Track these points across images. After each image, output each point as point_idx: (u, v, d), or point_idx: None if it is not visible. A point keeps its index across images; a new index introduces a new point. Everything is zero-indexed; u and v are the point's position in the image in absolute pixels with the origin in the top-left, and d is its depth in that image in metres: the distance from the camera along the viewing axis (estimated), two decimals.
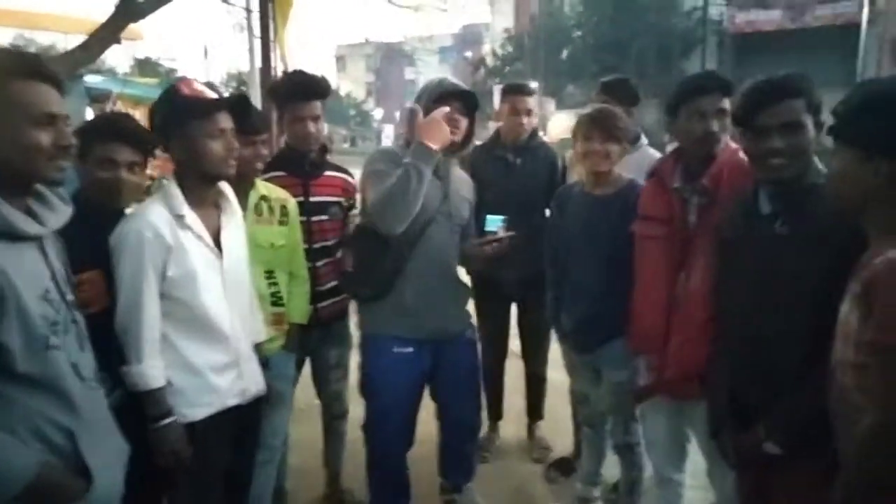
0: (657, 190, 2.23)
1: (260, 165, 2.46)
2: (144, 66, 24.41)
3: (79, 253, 1.63)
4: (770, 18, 25.06)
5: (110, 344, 1.78)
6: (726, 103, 2.06)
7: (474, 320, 2.73)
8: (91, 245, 1.79)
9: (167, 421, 1.84)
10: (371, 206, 2.28)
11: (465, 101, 2.41)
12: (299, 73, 2.76)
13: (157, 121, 1.94)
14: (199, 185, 1.93)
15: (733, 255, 1.90)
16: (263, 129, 2.46)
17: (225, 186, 2.03)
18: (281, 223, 2.48)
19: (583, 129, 2.47)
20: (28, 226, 1.38)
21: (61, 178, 1.42)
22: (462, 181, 2.58)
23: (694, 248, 2.09)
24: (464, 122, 2.40)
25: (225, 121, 1.91)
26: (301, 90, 2.63)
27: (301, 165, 2.66)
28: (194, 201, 1.92)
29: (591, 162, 2.46)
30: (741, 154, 2.05)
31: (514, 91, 3.28)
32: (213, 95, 1.92)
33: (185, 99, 1.87)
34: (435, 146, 2.19)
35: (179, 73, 21.92)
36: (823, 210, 1.63)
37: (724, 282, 1.95)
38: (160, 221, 1.84)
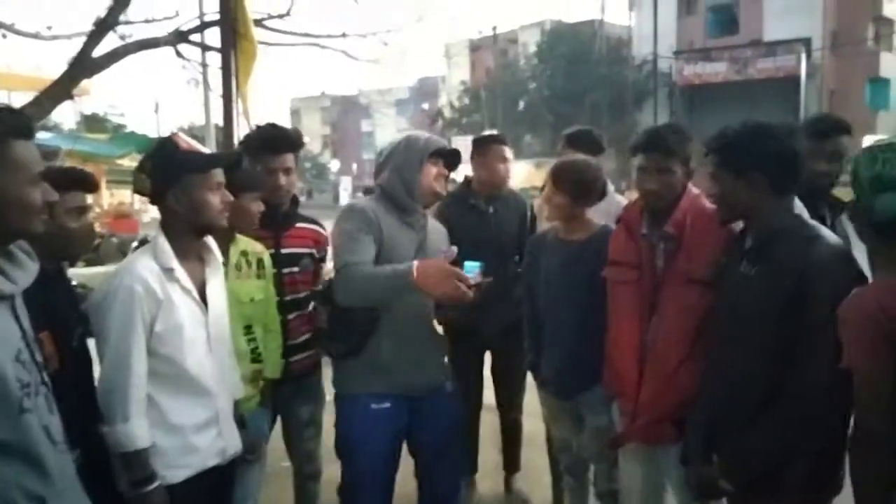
0: (625, 236, 2.28)
1: (256, 222, 2.44)
2: (91, 122, 24.12)
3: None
4: (716, 71, 26.37)
5: (60, 405, 1.65)
6: (667, 160, 2.13)
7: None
8: (40, 305, 1.67)
9: (153, 486, 1.76)
10: (337, 275, 2.25)
11: (449, 159, 2.43)
12: (271, 126, 2.75)
13: (151, 173, 1.93)
14: (187, 238, 1.93)
15: (717, 294, 2.01)
16: (263, 187, 2.46)
17: (209, 240, 2.02)
18: (258, 277, 2.44)
19: (548, 179, 2.56)
20: (2, 284, 1.33)
21: (38, 234, 1.41)
22: (437, 232, 2.56)
23: (663, 292, 2.14)
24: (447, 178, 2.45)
25: (220, 175, 1.95)
26: (273, 143, 2.62)
27: (273, 217, 2.61)
28: (181, 254, 1.91)
29: (547, 211, 2.57)
30: (703, 199, 2.16)
31: (493, 141, 3.35)
32: (207, 150, 1.96)
33: (184, 153, 1.92)
34: (426, 293, 2.14)
35: (129, 128, 21.68)
36: (787, 252, 1.76)
37: (709, 320, 2.05)
38: (150, 275, 1.82)
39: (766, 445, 1.77)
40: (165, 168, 1.90)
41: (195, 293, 1.91)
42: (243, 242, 2.43)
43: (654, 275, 2.17)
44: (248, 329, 2.40)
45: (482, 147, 3.31)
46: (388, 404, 2.33)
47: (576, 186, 2.46)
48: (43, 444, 1.35)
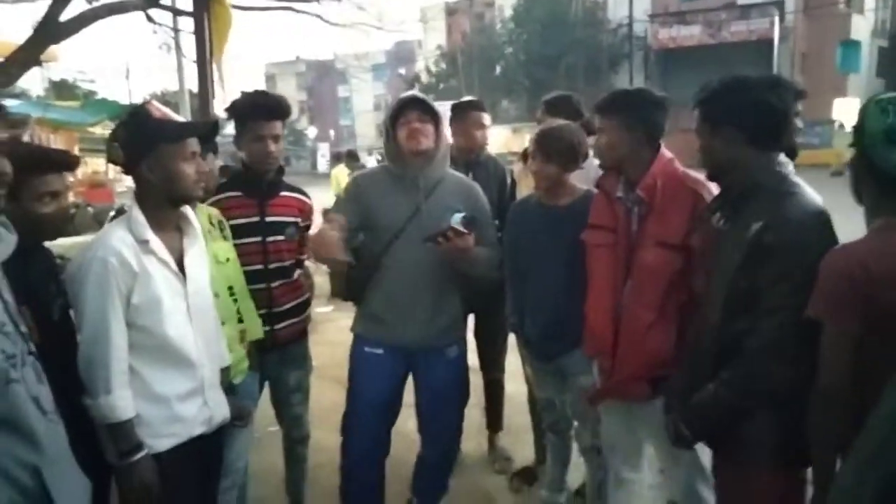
0: (604, 200, 2.33)
1: (212, 186, 2.44)
2: (61, 88, 23.34)
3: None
4: (691, 34, 26.35)
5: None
6: (604, 121, 2.22)
7: None
8: (17, 279, 1.63)
9: (139, 455, 1.77)
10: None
11: (423, 109, 2.46)
12: (260, 93, 2.73)
13: (124, 143, 1.88)
14: (162, 208, 1.90)
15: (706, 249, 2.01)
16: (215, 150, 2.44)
17: (187, 209, 1.99)
18: (224, 238, 2.43)
19: (530, 148, 2.58)
20: None
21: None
22: (456, 192, 2.55)
23: (636, 255, 2.18)
24: (428, 129, 2.46)
25: (195, 144, 1.91)
26: (262, 109, 2.60)
27: (258, 185, 2.62)
28: (157, 225, 1.88)
29: (535, 180, 2.59)
30: (675, 163, 2.20)
31: (470, 107, 3.35)
32: (181, 119, 1.92)
33: (157, 122, 1.86)
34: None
35: (99, 95, 21.02)
36: (756, 206, 1.74)
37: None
38: (124, 247, 1.79)
39: (716, 400, 1.77)
40: (138, 138, 1.86)
41: (173, 264, 1.89)
42: (204, 207, 2.41)
43: (629, 238, 2.21)
44: (230, 290, 2.39)
45: (459, 113, 3.32)
46: (380, 351, 2.52)
47: (564, 153, 2.48)
48: (32, 415, 1.37)
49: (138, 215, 1.86)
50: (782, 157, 1.83)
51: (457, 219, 2.34)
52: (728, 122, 1.80)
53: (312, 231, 2.53)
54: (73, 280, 1.78)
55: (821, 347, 1.53)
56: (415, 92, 2.57)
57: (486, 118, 3.36)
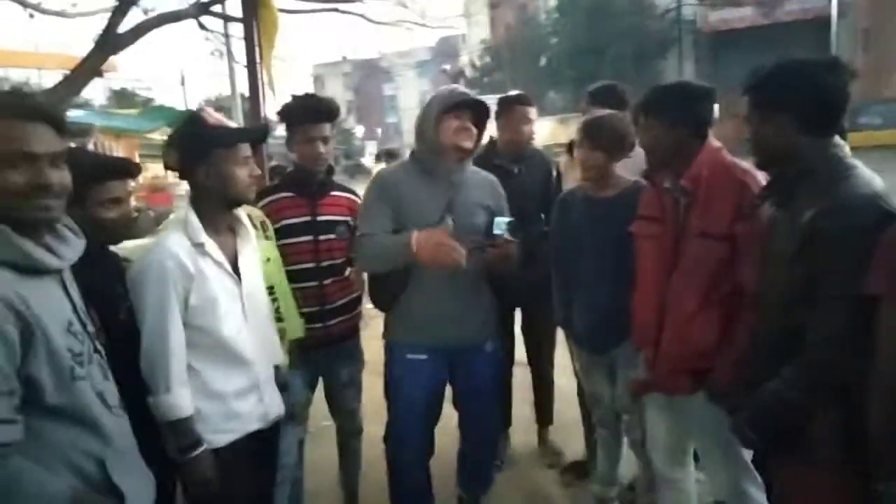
0: (652, 191, 2.30)
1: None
2: (120, 97, 24.25)
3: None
4: (742, 15, 25.47)
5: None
6: (646, 118, 2.18)
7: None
8: (84, 282, 1.71)
9: (199, 451, 1.85)
10: (354, 243, 2.48)
11: (476, 111, 2.46)
12: (310, 96, 2.81)
13: (180, 149, 1.97)
14: (217, 211, 1.98)
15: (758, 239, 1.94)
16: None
17: (240, 212, 2.06)
18: (266, 238, 2.48)
19: (577, 136, 2.55)
20: (49, 259, 1.40)
21: (49, 217, 1.41)
22: (481, 186, 2.56)
23: (682, 246, 2.15)
24: (474, 132, 2.46)
25: (247, 149, 1.99)
26: (312, 112, 2.68)
27: (309, 186, 2.69)
28: (211, 228, 1.95)
29: (581, 169, 2.55)
30: (723, 153, 2.14)
31: (521, 102, 3.33)
32: (233, 125, 2.00)
33: (212, 129, 1.94)
34: (426, 264, 2.27)
35: (157, 102, 21.72)
36: (810, 192, 1.67)
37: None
38: (181, 250, 1.87)
39: (778, 397, 1.70)
40: (194, 144, 1.94)
41: (227, 266, 1.96)
42: (245, 207, 2.47)
43: (676, 229, 2.17)
44: (270, 290, 2.43)
45: (506, 108, 3.31)
46: (424, 356, 2.46)
47: (611, 141, 2.46)
48: (98, 409, 1.44)
49: (194, 219, 1.93)
50: (837, 140, 1.76)
51: (502, 225, 2.34)
52: (781, 108, 1.71)
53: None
54: (133, 283, 1.86)
55: (879, 329, 1.43)
56: (471, 92, 2.52)
57: (533, 112, 3.33)
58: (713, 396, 2.07)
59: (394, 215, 2.39)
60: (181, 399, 1.83)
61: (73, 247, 1.50)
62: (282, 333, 2.44)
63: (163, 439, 1.87)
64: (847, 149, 1.76)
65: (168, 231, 1.95)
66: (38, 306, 1.33)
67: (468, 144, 2.43)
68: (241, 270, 2.01)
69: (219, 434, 1.93)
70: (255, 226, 2.41)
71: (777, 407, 1.72)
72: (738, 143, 2.05)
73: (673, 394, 2.26)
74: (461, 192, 2.46)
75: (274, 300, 2.44)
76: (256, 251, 2.13)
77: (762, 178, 1.99)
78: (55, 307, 1.40)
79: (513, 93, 3.50)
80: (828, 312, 1.59)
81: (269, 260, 2.44)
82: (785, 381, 1.69)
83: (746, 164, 2.09)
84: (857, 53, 24.71)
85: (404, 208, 2.39)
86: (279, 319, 2.45)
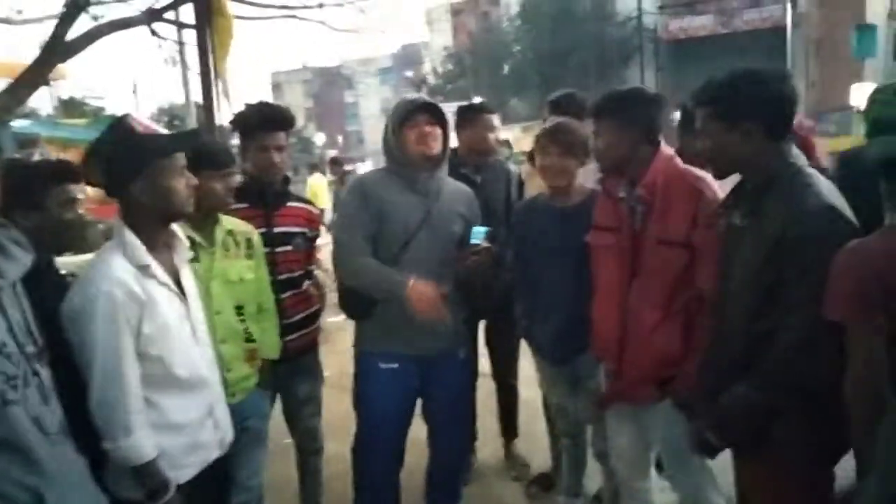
0: (607, 200, 2.29)
1: (231, 199, 2.38)
2: (69, 106, 23.59)
3: None
4: (702, 24, 26.09)
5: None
6: (598, 124, 2.19)
7: None
8: (31, 299, 1.61)
9: (169, 495, 1.69)
10: (335, 247, 2.45)
11: (433, 114, 2.44)
12: (264, 104, 2.73)
13: (107, 163, 1.77)
14: (154, 227, 1.80)
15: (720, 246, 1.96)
16: (231, 162, 2.39)
17: (174, 226, 1.90)
18: (248, 256, 2.42)
19: (541, 144, 2.51)
20: (7, 273, 1.34)
21: None
22: (456, 194, 2.55)
23: (641, 254, 2.15)
24: (437, 133, 2.43)
25: (183, 158, 1.82)
26: (266, 120, 2.60)
27: (263, 196, 2.61)
28: (150, 246, 1.78)
29: (549, 176, 2.51)
30: (676, 160, 2.15)
31: (479, 110, 3.30)
32: (165, 131, 1.87)
33: (143, 138, 1.75)
34: (414, 309, 2.26)
35: (108, 112, 21.15)
36: (775, 200, 1.70)
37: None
38: (127, 276, 1.69)
39: (748, 401, 1.71)
40: (126, 156, 1.72)
41: (172, 285, 1.82)
42: (228, 222, 2.40)
43: (633, 237, 2.17)
44: (238, 309, 2.38)
45: (468, 117, 3.27)
46: (396, 365, 2.43)
47: (580, 147, 2.46)
48: (32, 436, 1.36)
49: (133, 239, 1.74)
50: (795, 150, 1.80)
51: (480, 234, 2.37)
52: (748, 116, 1.74)
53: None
54: (76, 316, 1.66)
55: (849, 347, 1.47)
56: (423, 96, 2.52)
57: (496, 120, 3.30)
58: (679, 404, 2.07)
59: (374, 222, 2.39)
60: (144, 440, 1.67)
61: (18, 262, 1.41)
62: (250, 353, 2.41)
63: (110, 482, 1.70)
64: (804, 158, 1.79)
65: (105, 254, 1.75)
66: None
67: (434, 150, 2.42)
68: (185, 287, 1.89)
69: (182, 469, 1.79)
70: (236, 243, 2.36)
71: (745, 410, 1.73)
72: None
73: (638, 403, 2.24)
74: (439, 201, 2.46)
75: (242, 321, 2.38)
76: (189, 266, 1.98)
77: (716, 185, 2.01)
78: None
79: (474, 100, 3.48)
80: (795, 318, 1.62)
81: (241, 280, 2.37)
82: (752, 384, 1.70)
83: (699, 171, 2.10)
84: (810, 62, 25.50)
85: (384, 215, 2.39)
86: (249, 340, 2.40)
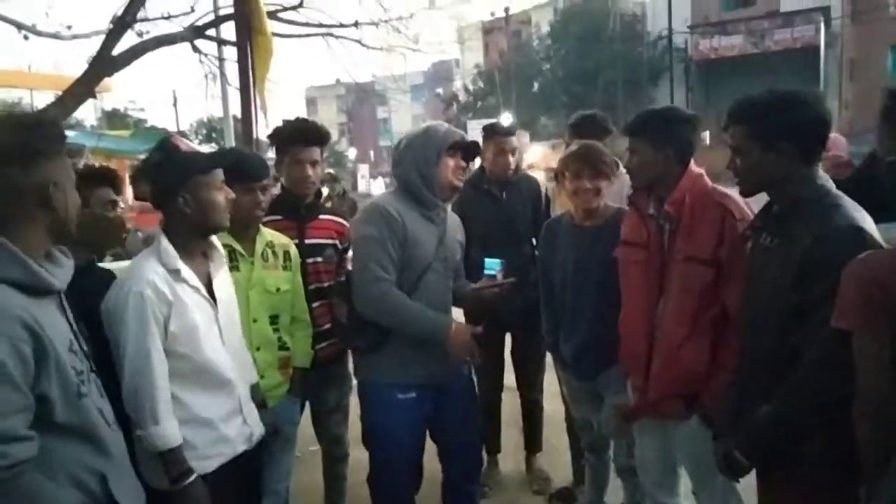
0: (636, 217, 2.33)
1: (262, 211, 2.46)
2: (113, 118, 24.17)
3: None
4: (732, 44, 25.90)
5: None
6: (634, 142, 2.23)
7: None
8: (73, 297, 1.72)
9: (191, 479, 1.83)
10: (365, 284, 2.30)
11: (468, 151, 2.48)
12: (301, 120, 2.85)
13: (153, 178, 1.96)
14: (192, 237, 1.97)
15: (747, 266, 1.98)
16: (264, 175, 2.47)
17: (213, 236, 2.06)
18: (285, 268, 2.51)
19: (571, 167, 2.54)
20: (51, 280, 1.45)
21: None
22: (454, 224, 2.59)
23: (669, 271, 2.18)
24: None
25: (221, 174, 1.99)
26: (302, 135, 2.71)
27: (297, 209, 2.71)
28: (185, 254, 1.94)
29: (582, 199, 2.53)
30: (704, 179, 2.19)
31: (498, 132, 3.35)
32: (205, 150, 2.03)
33: (184, 155, 1.95)
34: (453, 354, 2.30)
35: (149, 123, 21.63)
36: (804, 222, 1.72)
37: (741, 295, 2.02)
38: (157, 278, 1.84)
39: (776, 420, 1.72)
40: (171, 171, 1.92)
41: (203, 290, 1.96)
42: (269, 234, 2.50)
43: (662, 254, 2.20)
44: (273, 318, 2.47)
45: (490, 137, 3.33)
46: (413, 394, 2.39)
47: (609, 166, 2.51)
48: (101, 426, 1.50)
49: (168, 246, 1.91)
50: (822, 171, 1.82)
51: (496, 266, 2.45)
52: (786, 137, 1.75)
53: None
54: (110, 314, 1.82)
55: (855, 358, 1.49)
56: (461, 132, 2.52)
57: (513, 141, 3.33)
58: (706, 420, 2.08)
59: (400, 250, 2.32)
60: (170, 429, 1.81)
61: (66, 269, 1.54)
62: (284, 361, 2.49)
63: (144, 470, 1.83)
64: (831, 181, 1.82)
65: (141, 259, 1.93)
66: (47, 326, 1.38)
67: (460, 184, 2.46)
68: (216, 294, 2.02)
69: (208, 460, 1.91)
70: (274, 254, 2.46)
71: (772, 429, 1.73)
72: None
73: (665, 418, 2.26)
74: (447, 229, 2.49)
75: (276, 330, 2.47)
76: (227, 275, 2.14)
77: (743, 203, 2.04)
78: (59, 327, 1.45)
79: (501, 119, 3.53)
80: (822, 337, 1.62)
81: (278, 290, 2.46)
82: (780, 401, 1.71)
83: (725, 189, 2.13)
84: (844, 82, 25.12)
85: (408, 241, 2.34)
86: (283, 348, 2.48)
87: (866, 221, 1.70)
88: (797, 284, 1.68)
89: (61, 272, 1.51)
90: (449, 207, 2.58)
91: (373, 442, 2.47)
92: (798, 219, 1.75)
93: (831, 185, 1.80)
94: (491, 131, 3.38)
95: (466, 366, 2.56)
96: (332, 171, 10.06)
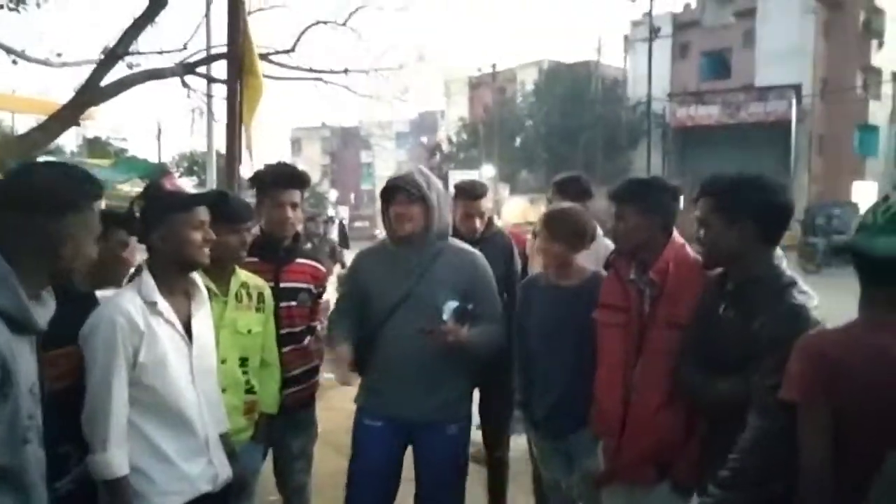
0: (615, 280, 2.37)
1: (244, 253, 2.47)
2: (94, 146, 23.99)
3: (61, 329, 1.63)
4: (709, 113, 26.87)
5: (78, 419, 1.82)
6: (621, 208, 2.29)
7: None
8: (69, 322, 1.79)
9: None
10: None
11: (408, 193, 2.43)
12: (282, 164, 2.90)
13: (140, 212, 2.05)
14: (172, 273, 2.00)
15: (692, 335, 2.07)
16: (248, 218, 2.49)
17: (196, 276, 2.08)
18: (258, 310, 2.49)
19: (539, 227, 2.66)
20: (38, 321, 1.42)
21: None
22: (451, 261, 2.52)
23: (648, 336, 2.21)
24: (414, 211, 2.42)
25: (203, 213, 2.02)
26: (283, 178, 2.74)
27: (274, 251, 2.70)
28: (166, 290, 1.97)
29: (542, 258, 2.65)
30: (687, 248, 2.26)
31: (466, 195, 3.31)
32: (193, 191, 2.04)
33: (169, 194, 2.04)
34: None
35: (130, 153, 21.48)
36: (760, 299, 1.83)
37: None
38: (132, 308, 1.88)
39: (721, 500, 1.76)
40: (152, 209, 2.01)
41: (179, 326, 1.97)
42: (244, 275, 2.49)
43: (641, 319, 2.24)
44: (243, 361, 2.44)
45: (459, 198, 3.31)
46: (379, 423, 2.50)
47: (571, 234, 2.54)
48: (36, 476, 1.41)
49: (148, 279, 1.95)
50: (778, 252, 1.95)
51: (449, 311, 2.37)
52: (749, 216, 1.87)
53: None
54: (84, 339, 1.86)
55: (799, 431, 1.54)
56: (401, 175, 2.51)
57: (484, 205, 3.32)
58: (677, 487, 2.10)
59: (361, 291, 2.62)
60: (117, 458, 1.80)
61: (49, 309, 1.51)
62: (249, 405, 2.46)
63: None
64: (785, 261, 1.94)
65: (123, 289, 2.00)
66: (19, 363, 1.34)
67: (407, 230, 2.46)
68: (194, 332, 2.01)
69: (167, 496, 1.89)
70: (248, 295, 2.46)
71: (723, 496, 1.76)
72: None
73: (636, 484, 2.25)
74: (428, 273, 2.49)
75: (244, 372, 2.44)
76: (209, 317, 2.14)
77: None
78: (29, 366, 1.41)
79: (471, 180, 3.55)
80: (764, 418, 1.70)
81: (249, 332, 2.44)
82: (717, 484, 1.76)
83: None
84: (813, 156, 26.06)
85: (369, 287, 2.59)
86: (250, 391, 2.45)
87: (813, 301, 1.81)
88: (750, 359, 1.77)
89: (44, 312, 1.49)
90: (442, 248, 2.52)
91: (349, 463, 2.57)
92: (755, 295, 1.85)
93: (785, 265, 1.92)
94: (462, 192, 3.35)
95: (444, 417, 2.52)
96: (332, 214, 10.14)
